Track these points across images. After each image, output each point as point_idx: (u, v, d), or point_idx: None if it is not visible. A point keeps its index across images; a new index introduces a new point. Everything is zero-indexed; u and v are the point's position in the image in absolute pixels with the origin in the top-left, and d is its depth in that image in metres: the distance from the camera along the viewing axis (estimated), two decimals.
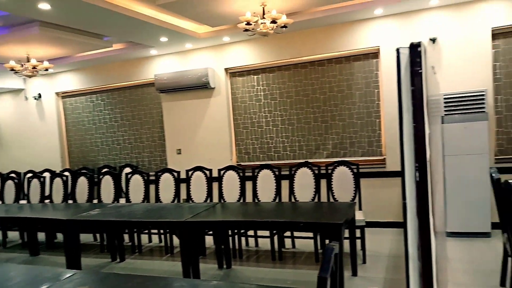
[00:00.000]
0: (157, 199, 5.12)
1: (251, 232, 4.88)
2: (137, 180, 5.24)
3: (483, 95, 4.42)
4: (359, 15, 4.97)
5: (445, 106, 4.53)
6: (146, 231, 5.34)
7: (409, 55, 0.78)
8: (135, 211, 4.21)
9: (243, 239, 4.82)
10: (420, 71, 0.77)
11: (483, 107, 4.42)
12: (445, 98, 4.52)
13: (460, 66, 4.75)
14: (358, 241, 4.09)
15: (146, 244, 5.38)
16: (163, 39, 5.41)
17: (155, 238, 5.50)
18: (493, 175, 3.12)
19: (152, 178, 5.27)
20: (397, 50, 0.78)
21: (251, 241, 5.02)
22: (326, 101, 5.51)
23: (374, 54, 5.21)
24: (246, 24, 4.15)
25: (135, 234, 5.06)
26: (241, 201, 4.71)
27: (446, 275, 2.54)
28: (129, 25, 4.66)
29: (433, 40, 4.79)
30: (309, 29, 5.42)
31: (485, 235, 4.55)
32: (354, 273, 3.79)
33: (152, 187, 5.22)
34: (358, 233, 4.33)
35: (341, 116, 5.44)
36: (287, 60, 5.64)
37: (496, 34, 4.66)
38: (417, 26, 4.90)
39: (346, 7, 4.70)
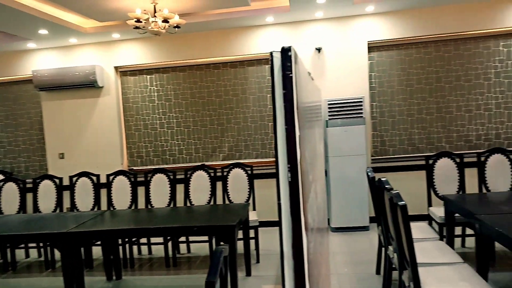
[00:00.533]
0: (36, 209, 4.59)
1: (144, 240, 4.67)
2: (11, 188, 4.64)
3: (361, 101, 4.88)
4: (252, 22, 5.11)
5: (329, 111, 4.91)
6: (22, 246, 4.75)
7: (280, 59, 0.79)
8: (8, 223, 3.70)
9: (135, 247, 4.58)
10: (290, 75, 0.79)
11: (361, 113, 4.89)
12: (329, 104, 4.90)
13: (342, 74, 5.19)
14: (253, 241, 4.19)
15: (22, 260, 4.78)
16: (43, 31, 4.88)
17: (33, 253, 4.92)
18: (369, 174, 3.45)
19: (30, 185, 4.71)
20: (271, 53, 0.79)
21: (144, 248, 4.80)
22: (222, 104, 5.55)
23: (266, 60, 5.40)
24: (136, 22, 3.96)
25: (8, 250, 4.47)
26: (133, 207, 4.47)
27: (327, 268, 2.72)
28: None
29: (319, 50, 5.16)
30: (205, 32, 5.41)
31: (364, 228, 5.03)
32: (248, 273, 3.86)
33: (29, 196, 4.67)
34: (252, 233, 4.44)
35: (236, 119, 5.53)
36: (183, 61, 5.54)
37: (372, 47, 5.20)
38: (305, 36, 5.22)
39: (240, 12, 4.80)
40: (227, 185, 4.48)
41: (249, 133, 5.52)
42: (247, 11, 4.79)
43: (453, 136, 5.17)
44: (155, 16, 4.06)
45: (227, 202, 4.46)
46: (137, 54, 5.58)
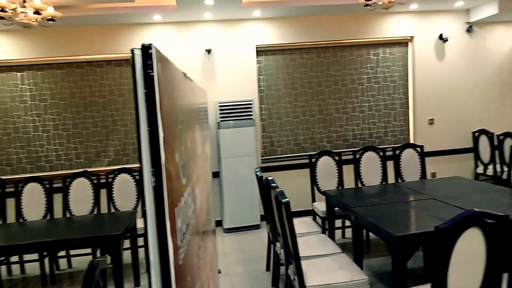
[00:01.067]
0: None
1: (14, 258, 4.12)
2: None
3: (250, 104, 5.02)
4: (138, 19, 4.88)
5: (221, 113, 4.94)
6: None
7: (141, 57, 0.74)
8: None
9: (3, 267, 4.02)
10: (152, 73, 0.74)
11: (251, 115, 5.02)
12: (220, 106, 4.93)
13: (232, 77, 5.27)
14: (142, 249, 3.99)
15: None
16: None
17: None
18: (257, 173, 3.54)
19: None
20: (132, 51, 0.73)
21: (16, 268, 4.24)
22: (106, 104, 5.19)
23: None
24: (0, 11, 3.47)
25: None
26: (0, 223, 3.91)
27: (214, 270, 2.72)
28: None
29: (209, 51, 5.16)
30: (87, 27, 5.00)
31: (256, 227, 5.17)
32: (137, 283, 3.66)
33: None
34: (141, 241, 4.23)
35: (123, 121, 5.23)
36: (61, 57, 5.04)
37: (260, 51, 5.38)
38: (195, 36, 5.18)
39: (123, 8, 4.55)
40: (113, 192, 4.20)
41: (136, 136, 5.25)
42: (132, 8, 4.56)
43: (333, 136, 5.62)
44: (24, 7, 3.61)
45: (112, 210, 4.18)
46: (5, 48, 4.91)
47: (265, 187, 3.21)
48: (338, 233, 4.72)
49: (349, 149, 5.56)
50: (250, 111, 5.01)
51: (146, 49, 0.74)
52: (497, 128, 5.87)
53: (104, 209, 4.33)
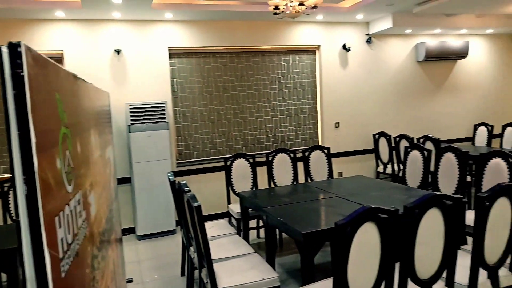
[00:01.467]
0: None
1: None
2: None
3: (163, 106, 4.91)
4: (40, 15, 4.50)
5: (132, 116, 4.75)
6: None
7: (9, 56, 0.69)
8: None
9: None
10: (21, 73, 0.69)
11: (164, 117, 4.91)
12: (130, 108, 4.75)
13: (144, 79, 5.11)
14: None
15: None
16: None
17: None
18: (170, 178, 3.48)
19: None
20: None
21: None
22: None
23: (59, 59, 4.85)
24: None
25: None
26: None
27: (118, 280, 2.61)
28: None
29: (118, 52, 4.94)
30: None
31: (171, 232, 5.06)
32: None
33: None
34: None
35: None
36: None
37: (172, 53, 5.29)
38: (103, 36, 4.92)
39: (23, 2, 4.16)
40: (9, 202, 3.81)
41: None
42: (32, 3, 4.19)
43: (248, 139, 5.74)
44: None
45: (9, 222, 3.79)
46: None
47: (177, 192, 3.17)
48: (253, 233, 4.82)
49: (263, 152, 5.72)
50: (163, 114, 4.90)
51: (14, 47, 0.68)
52: (394, 131, 6.48)
53: None
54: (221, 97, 5.56)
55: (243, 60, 5.65)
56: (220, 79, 5.54)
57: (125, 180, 5.03)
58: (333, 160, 6.05)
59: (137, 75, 5.08)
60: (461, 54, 6.63)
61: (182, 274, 3.82)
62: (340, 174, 6.22)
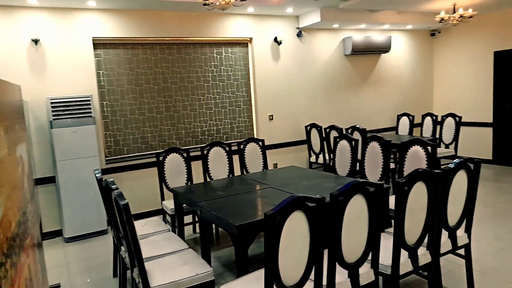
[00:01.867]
0: None
1: None
2: None
3: (89, 100, 4.62)
4: None
5: (53, 111, 4.43)
6: None
7: None
8: None
9: None
10: None
11: (90, 112, 4.63)
12: (52, 103, 4.42)
13: (67, 71, 4.77)
14: None
15: None
16: None
17: None
18: (97, 175, 3.29)
19: None
20: None
21: None
22: None
23: None
24: None
25: None
26: None
27: (42, 285, 2.45)
28: None
29: (36, 42, 4.56)
30: None
31: (103, 233, 4.82)
32: None
33: None
34: None
35: None
36: None
37: (97, 44, 4.99)
38: (18, 23, 4.50)
39: None
40: None
41: None
42: None
43: (182, 133, 5.62)
44: None
45: None
46: None
47: (105, 190, 3.01)
48: (190, 229, 4.75)
49: (198, 145, 5.64)
50: (89, 108, 4.62)
51: None
52: (324, 122, 6.73)
53: None
54: (152, 90, 5.38)
55: (174, 51, 5.50)
56: (150, 71, 5.35)
57: (48, 180, 4.69)
58: (268, 152, 6.15)
59: (59, 67, 4.73)
60: (385, 48, 7.03)
61: (115, 275, 3.66)
62: (275, 165, 6.34)
